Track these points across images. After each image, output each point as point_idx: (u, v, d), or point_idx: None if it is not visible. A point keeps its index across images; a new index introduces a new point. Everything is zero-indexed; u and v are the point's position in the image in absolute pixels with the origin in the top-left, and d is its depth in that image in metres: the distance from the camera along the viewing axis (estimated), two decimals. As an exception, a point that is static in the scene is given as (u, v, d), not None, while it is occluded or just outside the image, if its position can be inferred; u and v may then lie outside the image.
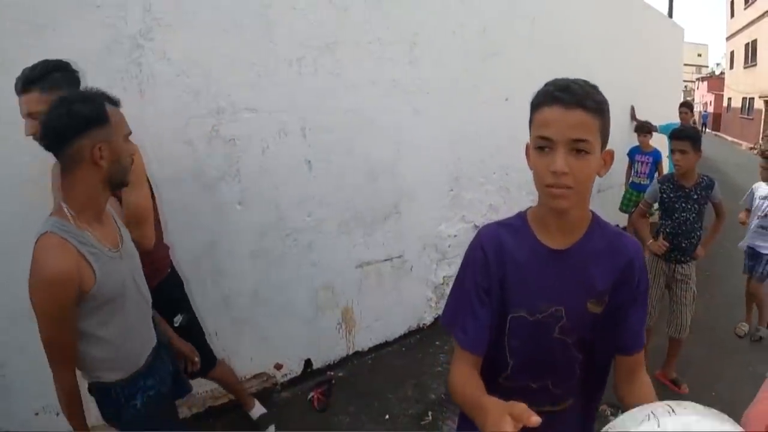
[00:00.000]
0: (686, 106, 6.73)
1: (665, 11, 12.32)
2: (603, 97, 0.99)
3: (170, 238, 2.26)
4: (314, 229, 3.01)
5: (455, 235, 3.88)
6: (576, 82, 0.97)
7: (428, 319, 3.85)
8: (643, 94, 6.73)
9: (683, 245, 2.97)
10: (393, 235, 3.45)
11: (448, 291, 3.76)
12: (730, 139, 23.61)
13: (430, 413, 2.90)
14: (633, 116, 6.45)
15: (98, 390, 1.49)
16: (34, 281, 1.25)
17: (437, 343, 3.69)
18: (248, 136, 2.62)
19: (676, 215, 2.95)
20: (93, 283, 1.31)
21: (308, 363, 3.20)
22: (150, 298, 1.62)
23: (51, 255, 1.25)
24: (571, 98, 0.93)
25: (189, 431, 2.53)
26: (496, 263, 1.09)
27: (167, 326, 1.90)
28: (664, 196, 3.00)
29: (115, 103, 1.42)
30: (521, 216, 1.14)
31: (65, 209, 1.31)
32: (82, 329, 1.36)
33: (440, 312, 3.75)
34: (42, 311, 1.27)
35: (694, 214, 2.94)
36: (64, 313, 1.28)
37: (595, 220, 1.10)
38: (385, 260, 3.45)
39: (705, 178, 2.98)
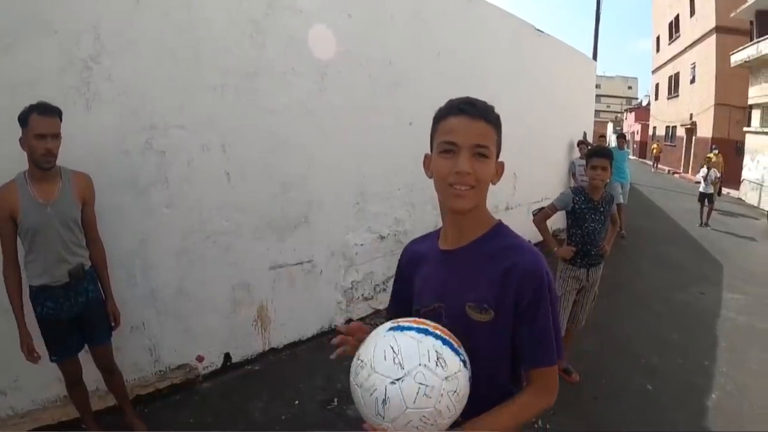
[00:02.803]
0: (622, 138, 9.07)
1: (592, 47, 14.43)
2: (498, 114, 1.22)
3: (106, 236, 2.84)
4: (232, 233, 3.67)
5: (362, 244, 4.66)
6: (481, 101, 1.21)
7: (339, 321, 4.58)
8: (554, 121, 8.04)
9: (592, 252, 3.62)
10: (303, 241, 4.18)
11: (357, 295, 4.54)
12: (649, 163, 27.29)
13: (336, 400, 3.56)
14: (585, 141, 8.20)
15: (29, 287, 2.53)
16: None
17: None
18: (176, 149, 3.29)
19: (586, 225, 3.57)
20: (18, 212, 2.40)
21: (228, 357, 3.81)
22: (77, 250, 2.60)
23: (1, 188, 2.42)
24: (475, 111, 1.17)
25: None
26: (407, 266, 1.42)
27: (109, 289, 2.79)
28: (576, 206, 3.57)
29: (50, 111, 2.39)
30: (439, 230, 1.38)
31: (25, 171, 2.47)
32: (24, 247, 2.49)
33: (350, 314, 4.49)
34: None
35: (600, 225, 3.60)
36: (2, 218, 2.40)
37: (498, 228, 1.27)
38: (296, 264, 4.16)
39: (607, 194, 3.64)
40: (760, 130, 16.55)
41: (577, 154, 9.01)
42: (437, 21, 5.26)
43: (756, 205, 15.48)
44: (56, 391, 2.96)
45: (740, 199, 17.11)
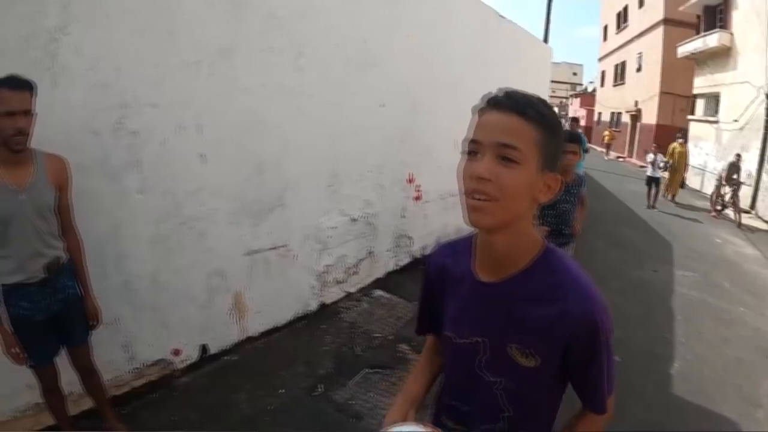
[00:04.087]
0: (575, 121, 9.66)
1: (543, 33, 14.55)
2: (552, 113, 1.00)
3: (76, 223, 2.60)
4: (207, 218, 3.47)
5: (335, 227, 4.56)
6: (525, 93, 1.00)
7: (313, 306, 4.48)
8: None
9: (564, 232, 3.84)
10: (279, 225, 4.02)
11: (330, 279, 4.45)
12: (599, 149, 27.83)
13: (320, 386, 3.50)
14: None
15: (1, 287, 2.23)
16: None
17: (323, 326, 4.33)
18: (149, 129, 3.04)
19: (559, 206, 3.78)
20: None
21: (204, 348, 3.63)
22: (53, 242, 2.35)
23: None
24: (509, 103, 0.97)
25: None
26: (437, 281, 1.23)
27: (87, 284, 2.55)
28: None
29: (20, 85, 2.10)
30: (469, 238, 1.18)
31: None
32: None
33: (324, 299, 4.41)
34: None
35: (572, 205, 3.83)
36: None
37: (546, 257, 1.06)
38: (271, 249, 4.00)
39: (577, 176, 3.86)
40: (703, 118, 17.31)
41: None
42: (409, 3, 5.15)
43: (699, 189, 16.53)
44: (26, 399, 2.68)
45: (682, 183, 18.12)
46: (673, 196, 13.57)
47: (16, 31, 2.43)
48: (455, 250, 1.20)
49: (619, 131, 27.62)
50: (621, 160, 25.27)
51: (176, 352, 3.43)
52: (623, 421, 3.13)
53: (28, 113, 2.15)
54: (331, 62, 4.23)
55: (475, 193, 0.94)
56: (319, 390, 3.46)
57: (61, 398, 2.57)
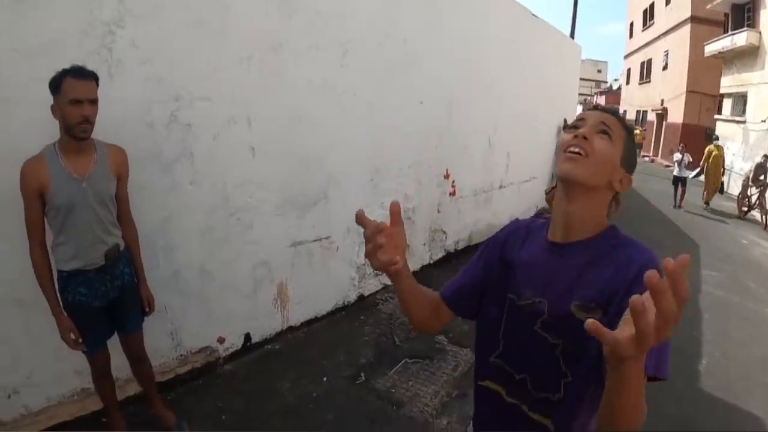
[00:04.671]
0: None
1: (569, 30, 14.08)
2: (630, 126, 1.18)
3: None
4: (255, 210, 3.39)
5: (375, 220, 4.41)
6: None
7: (352, 297, 4.37)
8: (544, 104, 7.89)
9: None
10: (322, 217, 3.92)
11: (369, 271, 4.32)
12: None
13: (362, 374, 3.41)
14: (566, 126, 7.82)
15: (58, 273, 2.20)
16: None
17: (362, 317, 4.23)
18: (202, 122, 2.96)
19: None
20: (48, 188, 2.06)
21: (248, 337, 3.55)
22: (112, 229, 2.29)
23: (27, 162, 2.05)
24: (606, 108, 1.15)
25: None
26: (507, 245, 1.22)
27: (141, 272, 2.49)
28: None
29: (86, 75, 2.07)
30: (544, 221, 1.23)
31: (55, 142, 2.13)
32: (53, 231, 2.16)
33: (362, 290, 4.30)
34: (22, 195, 2.06)
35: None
36: (29, 197, 2.06)
37: (613, 230, 1.12)
38: (315, 240, 3.91)
39: None
40: (730, 118, 16.47)
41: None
42: (447, 3, 4.99)
43: (725, 189, 15.73)
44: (73, 385, 2.63)
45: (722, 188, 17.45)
46: (708, 202, 12.23)
47: (74, 23, 2.36)
48: (534, 225, 1.24)
49: (645, 130, 26.19)
50: (648, 159, 24.16)
51: (221, 340, 3.36)
52: (655, 414, 2.96)
53: (93, 102, 2.10)
54: (373, 61, 4.10)
55: (573, 146, 1.06)
56: (362, 378, 3.36)
57: (111, 384, 2.50)
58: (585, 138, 1.06)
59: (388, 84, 4.32)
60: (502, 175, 6.82)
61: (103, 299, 2.28)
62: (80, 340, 2.22)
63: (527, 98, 7.15)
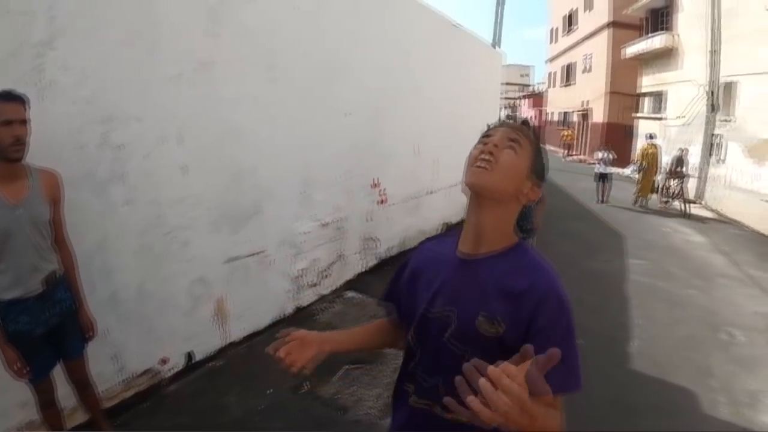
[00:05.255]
0: (525, 123, 9.09)
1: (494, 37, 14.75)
2: (537, 138, 1.23)
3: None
4: (189, 228, 3.40)
5: (308, 232, 4.56)
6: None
7: (289, 309, 4.45)
8: (467, 110, 8.28)
9: (525, 227, 4.02)
10: (256, 232, 3.99)
11: (304, 282, 4.43)
12: (550, 148, 27.25)
13: (305, 384, 3.49)
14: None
15: None
16: None
17: (301, 328, 4.26)
18: (134, 142, 2.95)
19: None
20: None
21: (190, 356, 3.54)
22: (49, 255, 2.28)
23: None
24: (515, 124, 1.24)
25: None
26: (418, 264, 1.33)
27: (80, 296, 2.46)
28: None
29: (14, 97, 2.08)
30: (455, 234, 1.29)
31: None
32: None
33: (299, 302, 4.38)
34: None
35: (531, 203, 4.01)
36: None
37: (520, 246, 1.20)
38: (250, 255, 3.96)
39: None
40: (649, 116, 17.82)
41: None
42: (372, 15, 5.22)
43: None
44: (18, 418, 2.54)
45: (630, 177, 18.60)
46: (645, 201, 12.40)
47: (4, 44, 2.32)
48: (442, 240, 1.33)
49: (573, 130, 27.37)
50: (577, 160, 24.22)
51: (164, 361, 3.33)
52: (586, 397, 3.30)
53: (24, 122, 2.11)
54: (299, 74, 4.23)
55: (482, 154, 1.14)
56: (306, 387, 3.45)
57: (58, 413, 2.47)
58: (491, 153, 1.13)
59: (316, 96, 4.46)
60: (430, 181, 7.15)
61: (44, 326, 2.26)
62: (25, 370, 2.19)
63: (451, 105, 7.54)
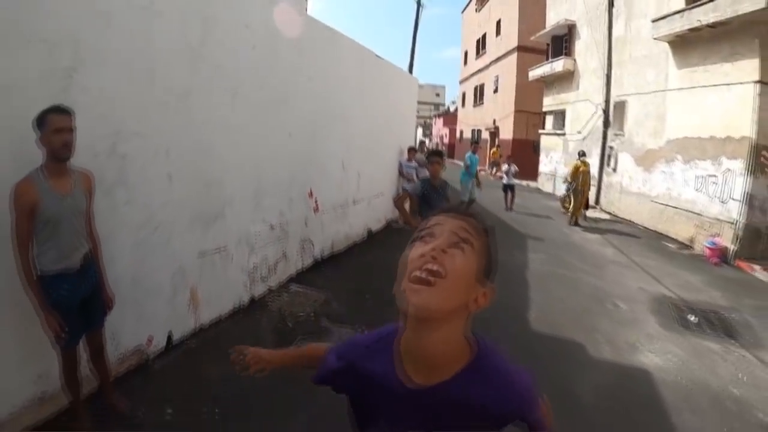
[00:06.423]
0: (476, 144, 11.56)
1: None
2: (489, 229, 1.01)
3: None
4: (172, 226, 4.03)
5: (259, 233, 5.31)
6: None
7: (245, 299, 5.14)
8: (386, 129, 9.38)
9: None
10: (220, 231, 4.67)
11: (257, 276, 5.25)
12: (461, 164, 28.67)
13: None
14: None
15: (41, 278, 2.66)
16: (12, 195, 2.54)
17: (257, 315, 5.04)
18: (134, 153, 3.58)
19: (432, 203, 4.71)
20: (38, 204, 2.56)
21: (170, 337, 4.14)
22: (86, 239, 2.89)
23: (19, 183, 2.54)
24: (465, 212, 1.01)
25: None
26: (345, 377, 1.13)
27: (103, 275, 3.07)
28: (425, 192, 4.87)
29: (64, 111, 2.64)
30: (386, 337, 1.08)
31: (41, 166, 2.65)
32: (38, 240, 2.63)
33: (253, 293, 5.09)
34: (15, 210, 2.52)
35: (443, 202, 4.80)
36: (21, 214, 2.52)
37: (479, 363, 1.00)
38: (215, 251, 4.63)
39: (442, 180, 5.04)
40: (552, 132, 19.69)
41: (404, 156, 10.46)
42: (309, 50, 6.08)
43: (551, 192, 18.76)
44: (32, 390, 2.98)
45: (538, 188, 20.55)
46: (576, 219, 12.01)
47: (35, 68, 2.85)
48: (370, 349, 1.11)
49: (480, 147, 28.67)
50: (482, 172, 23.32)
51: (150, 340, 3.91)
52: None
53: (71, 130, 2.67)
54: (256, 101, 5.01)
55: (427, 264, 0.91)
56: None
57: (78, 382, 2.96)
58: (435, 258, 0.91)
59: (268, 119, 5.26)
60: (354, 192, 8.11)
61: (81, 296, 2.84)
62: (64, 333, 2.70)
63: (373, 125, 8.58)
